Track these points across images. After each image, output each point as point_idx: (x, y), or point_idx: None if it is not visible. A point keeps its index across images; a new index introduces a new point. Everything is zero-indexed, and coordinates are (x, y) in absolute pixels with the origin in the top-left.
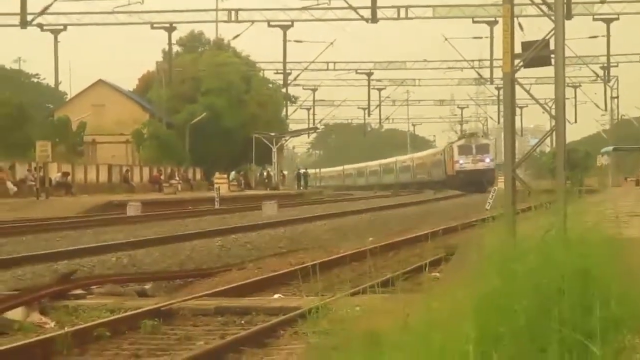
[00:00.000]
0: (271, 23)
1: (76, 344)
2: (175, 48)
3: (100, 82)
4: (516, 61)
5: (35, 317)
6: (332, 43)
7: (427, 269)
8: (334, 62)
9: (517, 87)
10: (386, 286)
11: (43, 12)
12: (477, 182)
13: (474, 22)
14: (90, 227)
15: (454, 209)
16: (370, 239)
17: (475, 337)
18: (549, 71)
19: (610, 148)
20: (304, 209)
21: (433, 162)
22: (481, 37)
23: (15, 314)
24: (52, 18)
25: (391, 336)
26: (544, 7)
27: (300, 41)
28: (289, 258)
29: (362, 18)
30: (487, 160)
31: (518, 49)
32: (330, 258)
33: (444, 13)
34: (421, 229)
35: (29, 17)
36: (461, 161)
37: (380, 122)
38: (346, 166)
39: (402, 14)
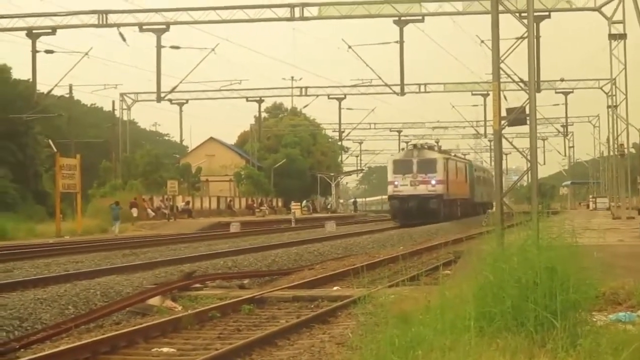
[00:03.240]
0: (330, 96)
1: (196, 322)
2: (263, 114)
3: (211, 139)
4: (502, 122)
5: (168, 303)
6: (373, 110)
7: (441, 268)
8: (375, 123)
9: (504, 140)
10: (413, 280)
11: (172, 91)
12: (415, 213)
13: (472, 94)
14: (205, 240)
15: (459, 226)
16: (401, 247)
17: (475, 315)
18: (525, 128)
19: (569, 182)
20: (355, 227)
21: None
22: (477, 105)
23: (154, 301)
24: (178, 95)
25: (416, 315)
26: (521, 84)
27: (351, 109)
28: (344, 261)
29: (394, 92)
30: (433, 182)
31: (504, 113)
32: (373, 261)
33: (451, 88)
34: (436, 240)
35: (162, 94)
36: (397, 182)
37: None
38: (383, 196)
39: (422, 89)
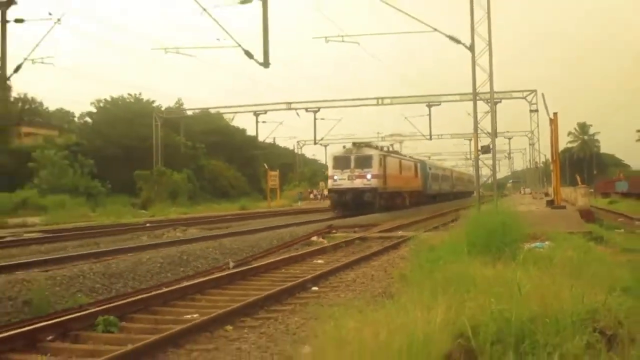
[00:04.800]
0: (385, 139)
1: (333, 248)
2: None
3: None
4: (479, 152)
5: (320, 239)
6: (416, 147)
7: (449, 223)
8: (417, 154)
9: (480, 161)
10: (436, 229)
11: (321, 139)
12: (351, 204)
13: (464, 139)
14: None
15: (456, 203)
16: (428, 215)
17: (467, 245)
18: (491, 155)
19: (511, 181)
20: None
21: None
22: (466, 144)
23: (314, 238)
24: (325, 141)
25: (438, 245)
26: (488, 133)
27: (407, 146)
28: (400, 220)
29: (427, 138)
30: (368, 176)
31: (480, 147)
32: (415, 220)
33: (455, 136)
34: (446, 210)
35: (317, 140)
36: (336, 177)
37: None
38: None
39: (440, 137)
